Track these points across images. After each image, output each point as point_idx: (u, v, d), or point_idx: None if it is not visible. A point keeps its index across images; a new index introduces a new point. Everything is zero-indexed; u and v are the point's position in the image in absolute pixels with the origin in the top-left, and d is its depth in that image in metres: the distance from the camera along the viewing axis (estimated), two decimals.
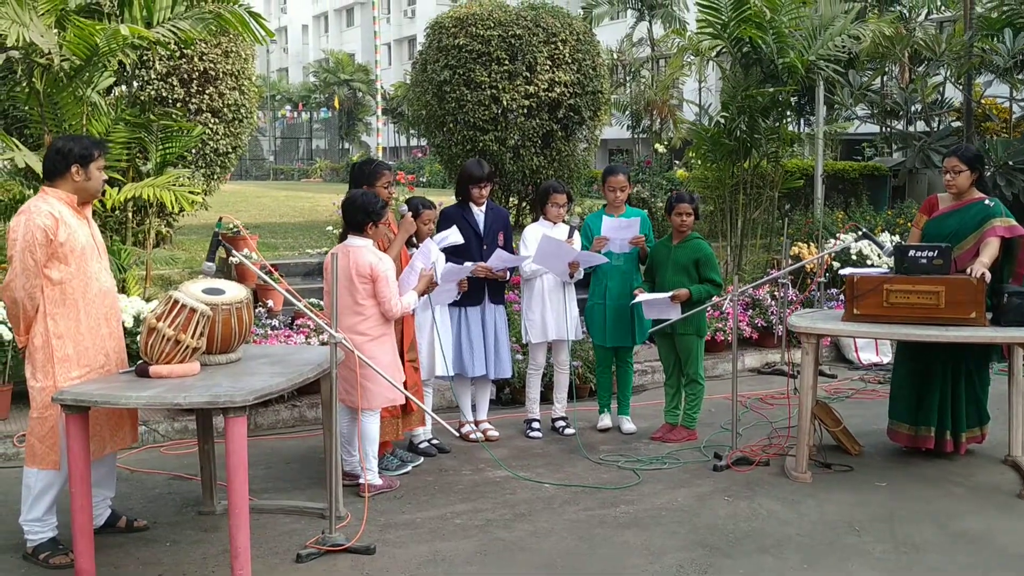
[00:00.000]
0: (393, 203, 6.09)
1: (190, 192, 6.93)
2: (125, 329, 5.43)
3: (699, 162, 11.04)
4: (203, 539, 4.39)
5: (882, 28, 11.74)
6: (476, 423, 6.10)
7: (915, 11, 15.63)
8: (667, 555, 4.22)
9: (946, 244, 5.16)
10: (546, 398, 6.35)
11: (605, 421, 6.30)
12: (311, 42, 60.07)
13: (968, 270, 5.09)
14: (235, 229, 8.15)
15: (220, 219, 4.86)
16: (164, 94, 8.90)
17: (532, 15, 11.01)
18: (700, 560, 4.16)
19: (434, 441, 5.81)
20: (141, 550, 4.25)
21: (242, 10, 6.66)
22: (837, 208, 12.84)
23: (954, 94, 14.18)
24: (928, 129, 14.03)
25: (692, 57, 13.69)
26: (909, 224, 8.69)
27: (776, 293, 8.51)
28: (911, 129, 14.35)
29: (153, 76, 8.84)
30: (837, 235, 10.00)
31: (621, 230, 5.95)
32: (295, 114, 48.37)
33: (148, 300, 6.73)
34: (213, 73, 9.19)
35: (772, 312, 8.46)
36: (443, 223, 5.74)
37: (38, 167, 5.12)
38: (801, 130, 14.05)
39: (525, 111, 10.87)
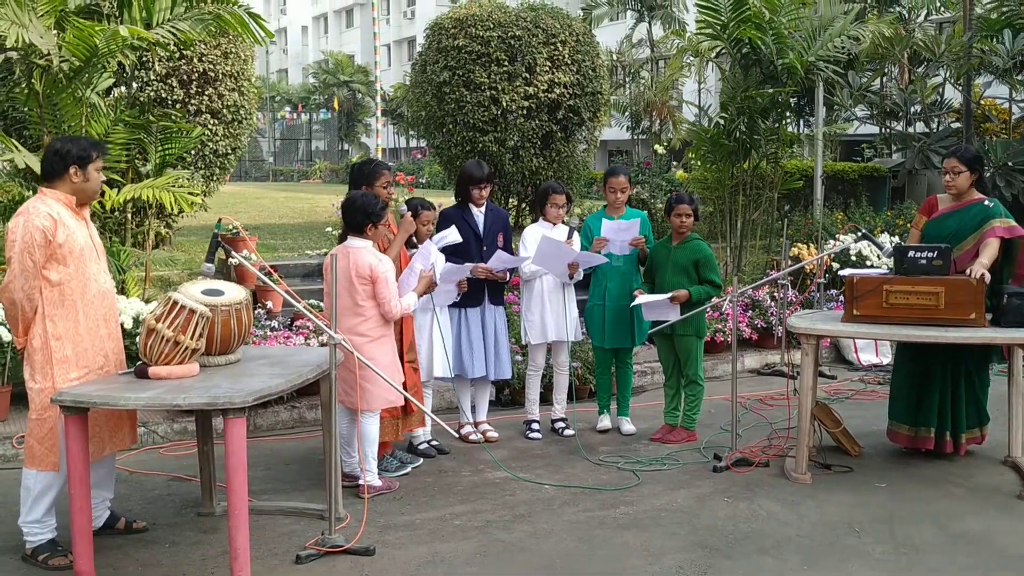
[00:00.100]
0: (393, 204, 6.09)
1: (189, 193, 6.94)
2: (124, 330, 5.43)
3: (698, 163, 11.04)
4: (202, 540, 4.39)
5: (882, 29, 11.74)
6: (476, 424, 6.09)
7: (915, 12, 15.64)
8: (667, 556, 4.21)
9: (946, 245, 5.16)
10: (545, 399, 6.35)
11: (604, 422, 6.29)
12: (311, 43, 60.09)
13: (968, 271, 5.09)
14: (234, 230, 8.15)
15: (219, 220, 4.85)
16: (163, 95, 8.90)
17: (532, 16, 11.00)
18: (700, 561, 4.16)
19: (433, 442, 5.80)
20: (140, 551, 4.25)
21: (242, 11, 6.66)
22: (836, 209, 12.84)
23: (953, 95, 14.18)
24: (927, 130, 14.04)
25: (691, 58, 13.69)
26: (908, 225, 8.70)
27: (776, 294, 8.51)
28: (910, 130, 14.36)
29: (152, 77, 8.83)
30: (836, 236, 9.99)
31: (621, 232, 5.95)
32: (294, 115, 48.37)
33: (147, 301, 6.72)
34: (212, 74, 9.19)
35: (772, 313, 8.46)
36: (443, 224, 5.73)
37: (38, 168, 5.11)
38: (800, 131, 14.05)
39: (524, 112, 10.86)
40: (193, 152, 8.92)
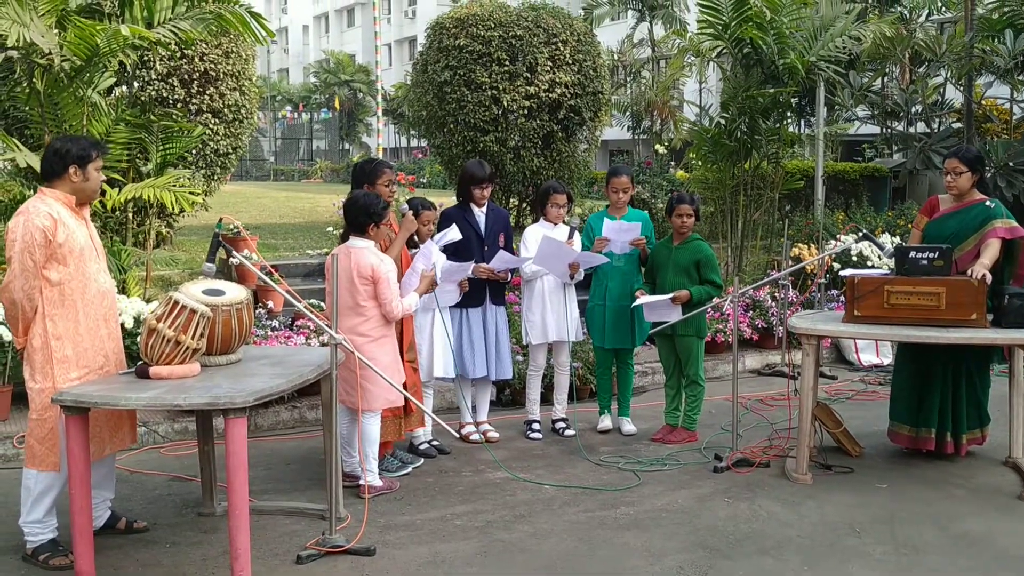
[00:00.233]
0: (394, 203, 6.09)
1: (190, 193, 6.93)
2: (125, 330, 5.44)
3: (699, 163, 11.03)
4: (203, 540, 4.39)
5: (883, 29, 11.73)
6: (476, 424, 6.09)
7: (916, 12, 15.64)
8: (667, 556, 4.21)
9: (947, 245, 5.16)
10: (546, 399, 6.35)
11: (605, 422, 6.29)
12: (312, 43, 60.08)
13: (969, 271, 5.09)
14: (235, 230, 8.15)
15: (220, 220, 4.85)
16: (164, 94, 8.89)
17: (533, 16, 10.99)
18: (700, 561, 4.16)
19: (434, 442, 5.81)
20: (141, 551, 4.25)
21: (243, 10, 6.66)
22: (837, 209, 12.83)
23: (955, 95, 14.18)
24: (929, 130, 14.02)
25: (693, 58, 13.63)
26: (909, 225, 8.70)
27: (776, 294, 8.50)
28: (912, 130, 14.35)
29: (154, 76, 8.83)
30: (837, 236, 9.98)
31: (622, 232, 5.94)
32: (295, 115, 48.39)
33: (148, 301, 6.72)
34: (214, 74, 9.18)
35: (772, 313, 8.45)
36: (444, 224, 5.73)
37: (39, 167, 5.11)
38: (801, 131, 14.04)
39: (526, 112, 10.86)
40: (194, 151, 8.92)
